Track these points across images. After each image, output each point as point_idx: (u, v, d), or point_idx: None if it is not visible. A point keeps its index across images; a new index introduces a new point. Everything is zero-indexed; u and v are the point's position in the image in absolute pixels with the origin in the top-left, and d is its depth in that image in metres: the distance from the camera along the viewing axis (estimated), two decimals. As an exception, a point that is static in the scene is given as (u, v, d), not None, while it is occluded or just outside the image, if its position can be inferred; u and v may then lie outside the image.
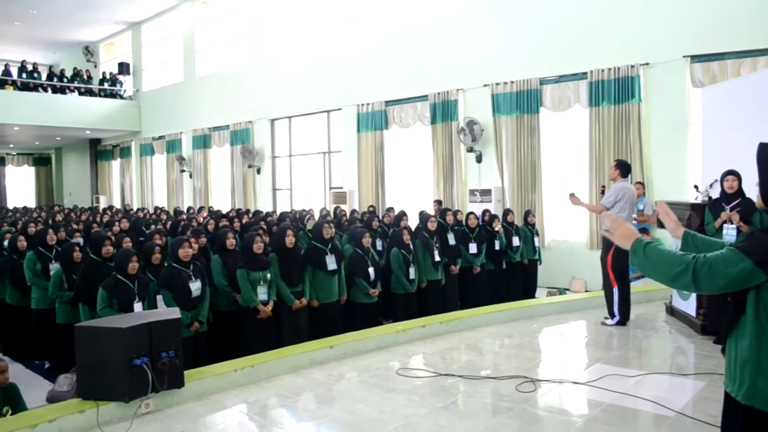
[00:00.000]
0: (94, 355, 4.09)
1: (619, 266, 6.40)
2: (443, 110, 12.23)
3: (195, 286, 5.61)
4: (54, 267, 6.71)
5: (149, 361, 4.07)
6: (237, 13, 17.57)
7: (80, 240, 8.07)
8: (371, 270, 6.95)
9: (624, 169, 6.63)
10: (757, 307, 2.02)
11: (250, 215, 11.47)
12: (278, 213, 12.26)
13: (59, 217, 13.57)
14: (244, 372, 4.82)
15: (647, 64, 9.66)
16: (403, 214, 8.78)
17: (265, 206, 16.01)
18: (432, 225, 7.91)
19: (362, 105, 13.68)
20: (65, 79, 21.15)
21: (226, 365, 4.93)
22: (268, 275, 6.07)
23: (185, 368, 4.56)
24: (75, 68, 22.19)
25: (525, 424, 4.00)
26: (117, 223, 9.51)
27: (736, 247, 2.01)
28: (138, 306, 5.36)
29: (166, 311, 4.63)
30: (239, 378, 4.78)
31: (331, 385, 4.88)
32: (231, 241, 6.55)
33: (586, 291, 10.01)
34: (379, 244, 8.47)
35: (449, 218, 8.36)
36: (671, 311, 6.87)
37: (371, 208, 11.87)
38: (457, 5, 12.26)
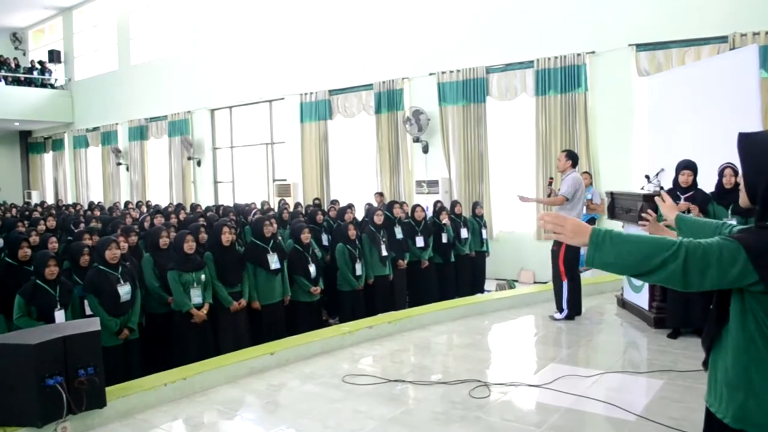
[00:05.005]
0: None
1: (570, 259, 6.23)
2: (388, 99, 11.92)
3: (124, 290, 5.17)
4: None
5: (64, 380, 3.62)
6: (174, -3, 16.83)
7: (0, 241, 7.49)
8: (312, 267, 6.61)
9: (575, 159, 6.50)
10: (743, 315, 1.77)
11: (188, 210, 10.90)
12: (217, 207, 11.71)
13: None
14: (175, 385, 4.38)
15: (593, 52, 9.57)
16: (347, 207, 8.45)
17: (206, 200, 15.43)
18: (379, 218, 7.62)
19: (305, 94, 13.25)
20: (-10, 67, 19.99)
21: (155, 378, 4.48)
22: (203, 276, 5.66)
23: (115, 380, 4.16)
24: (1, 56, 20.98)
25: (480, 434, 3.75)
26: (42, 222, 8.88)
27: (733, 236, 1.74)
28: (60, 314, 4.91)
29: (83, 322, 4.17)
30: (170, 392, 4.34)
31: (272, 396, 4.52)
32: (164, 240, 6.11)
33: (535, 282, 9.91)
34: (325, 238, 8.15)
35: (396, 211, 8.07)
36: (622, 304, 6.73)
37: (316, 201, 11.48)
38: (401, -8, 11.93)
